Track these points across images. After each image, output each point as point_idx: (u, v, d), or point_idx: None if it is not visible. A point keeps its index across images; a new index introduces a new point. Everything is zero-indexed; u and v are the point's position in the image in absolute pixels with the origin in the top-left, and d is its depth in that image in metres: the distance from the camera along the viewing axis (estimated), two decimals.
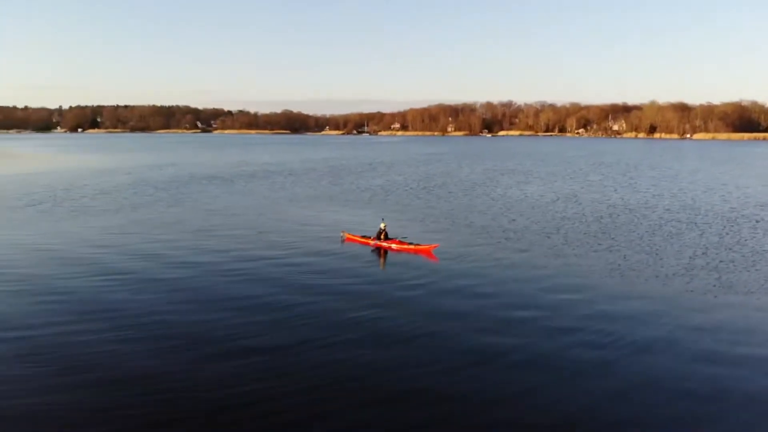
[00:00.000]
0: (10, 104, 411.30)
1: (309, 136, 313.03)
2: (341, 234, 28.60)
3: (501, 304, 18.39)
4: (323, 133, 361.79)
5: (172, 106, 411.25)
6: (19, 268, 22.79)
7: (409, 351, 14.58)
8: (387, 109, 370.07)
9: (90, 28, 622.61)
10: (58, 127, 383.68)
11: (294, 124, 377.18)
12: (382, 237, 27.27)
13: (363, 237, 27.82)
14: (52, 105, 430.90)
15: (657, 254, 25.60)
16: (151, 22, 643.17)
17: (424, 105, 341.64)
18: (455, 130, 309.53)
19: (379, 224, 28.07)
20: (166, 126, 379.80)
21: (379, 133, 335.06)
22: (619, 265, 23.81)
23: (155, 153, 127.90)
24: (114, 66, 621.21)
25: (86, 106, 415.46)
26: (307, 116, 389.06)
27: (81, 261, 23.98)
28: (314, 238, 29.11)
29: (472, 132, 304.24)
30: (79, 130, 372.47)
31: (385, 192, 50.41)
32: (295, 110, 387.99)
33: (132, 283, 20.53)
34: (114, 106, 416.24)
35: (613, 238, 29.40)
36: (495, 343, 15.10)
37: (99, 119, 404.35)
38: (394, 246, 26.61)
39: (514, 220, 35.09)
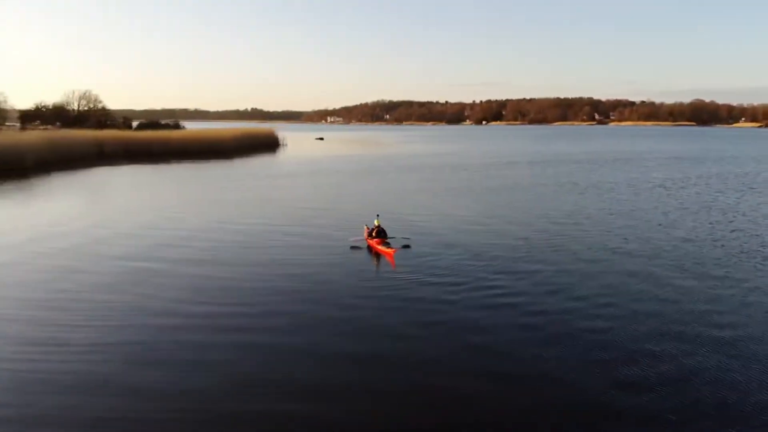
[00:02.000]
0: (434, 100, 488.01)
1: (716, 129, 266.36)
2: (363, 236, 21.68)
3: None
4: (736, 125, 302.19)
5: (572, 98, 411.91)
6: None
7: None
8: None
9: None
10: (467, 120, 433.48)
11: (701, 115, 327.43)
12: (374, 234, 20.78)
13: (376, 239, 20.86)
14: (468, 100, 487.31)
15: None
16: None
17: None
18: None
19: (374, 221, 21.67)
20: (563, 118, 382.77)
21: None
22: None
23: (487, 142, 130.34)
24: (524, 61, 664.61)
25: (494, 101, 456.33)
26: (718, 106, 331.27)
27: None
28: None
29: None
30: (483, 122, 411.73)
31: None
32: (707, 99, 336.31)
33: None
34: (518, 99, 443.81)
35: None
36: None
37: (503, 112, 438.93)
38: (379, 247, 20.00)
39: None
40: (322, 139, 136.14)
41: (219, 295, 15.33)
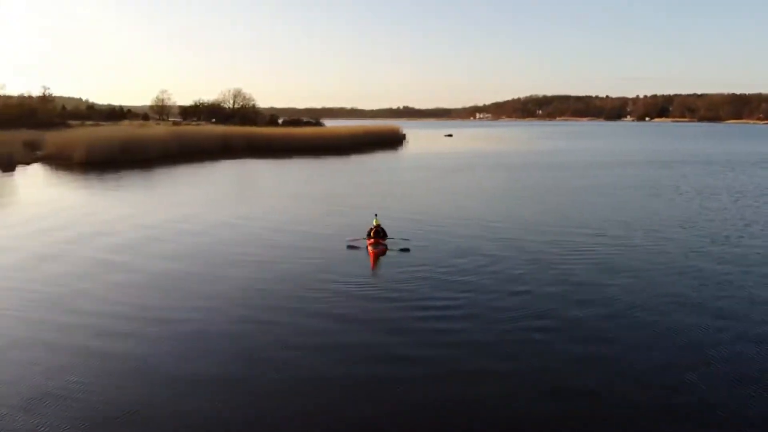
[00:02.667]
0: (593, 94, 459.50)
1: None
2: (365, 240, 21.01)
3: None
4: None
5: (750, 95, 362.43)
6: None
7: None
8: None
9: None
10: (628, 116, 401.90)
11: None
12: (372, 234, 20.71)
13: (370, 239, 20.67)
14: (630, 94, 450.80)
15: None
16: None
17: None
18: None
19: (372, 221, 21.43)
20: (737, 116, 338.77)
21: None
22: None
23: (635, 139, 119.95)
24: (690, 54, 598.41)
25: (660, 95, 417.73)
26: None
27: None
28: None
29: None
30: (646, 119, 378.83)
31: None
32: None
33: None
34: (687, 95, 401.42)
35: None
36: None
37: (669, 108, 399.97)
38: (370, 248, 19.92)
39: None
40: (450, 136, 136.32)
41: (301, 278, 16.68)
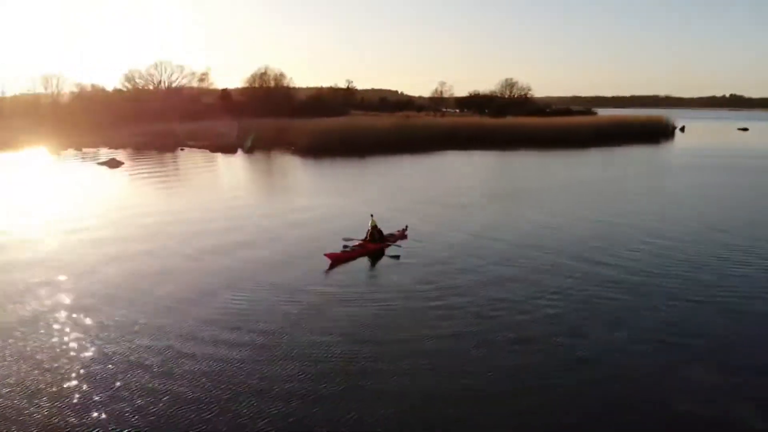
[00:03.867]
0: None
1: None
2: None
3: None
4: None
5: None
6: None
7: None
8: None
9: None
10: None
11: None
12: (367, 237, 20.04)
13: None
14: None
15: None
16: None
17: None
18: None
19: (368, 222, 20.53)
20: None
21: None
22: None
23: None
24: None
25: None
26: None
27: None
28: None
29: None
30: None
31: None
32: None
33: None
34: None
35: None
36: None
37: None
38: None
39: None
40: (746, 129, 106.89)
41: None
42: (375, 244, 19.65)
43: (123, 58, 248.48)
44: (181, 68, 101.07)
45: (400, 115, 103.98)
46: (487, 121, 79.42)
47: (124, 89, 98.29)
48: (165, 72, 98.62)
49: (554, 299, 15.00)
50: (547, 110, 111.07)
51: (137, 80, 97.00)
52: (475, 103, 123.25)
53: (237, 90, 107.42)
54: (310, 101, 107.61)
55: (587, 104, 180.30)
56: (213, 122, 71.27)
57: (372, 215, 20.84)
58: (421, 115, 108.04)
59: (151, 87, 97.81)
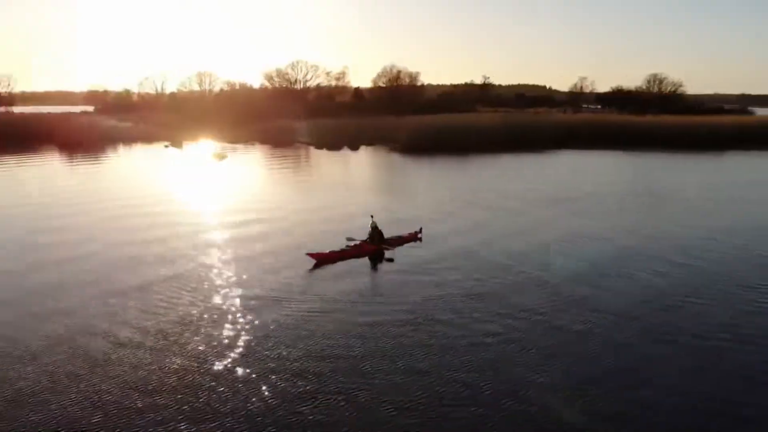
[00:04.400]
0: None
1: None
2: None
3: None
4: None
5: None
6: None
7: None
8: None
9: None
10: None
11: None
12: (368, 239, 19.62)
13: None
14: None
15: None
16: None
17: None
18: None
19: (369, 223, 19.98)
20: None
21: None
22: None
23: None
24: None
25: None
26: None
27: None
28: None
29: None
30: None
31: None
32: None
33: None
34: None
35: None
36: None
37: None
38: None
39: None
40: None
41: None
42: (372, 245, 19.18)
43: (265, 56, 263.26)
44: (315, 68, 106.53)
45: (530, 112, 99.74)
46: (620, 118, 72.93)
47: (268, 87, 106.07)
48: (301, 71, 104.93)
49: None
50: (699, 108, 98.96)
51: (275, 79, 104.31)
52: (617, 99, 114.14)
53: (367, 89, 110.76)
54: (437, 99, 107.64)
55: (744, 102, 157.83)
56: (325, 120, 72.77)
57: (372, 216, 20.27)
58: (552, 112, 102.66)
59: (287, 85, 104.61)
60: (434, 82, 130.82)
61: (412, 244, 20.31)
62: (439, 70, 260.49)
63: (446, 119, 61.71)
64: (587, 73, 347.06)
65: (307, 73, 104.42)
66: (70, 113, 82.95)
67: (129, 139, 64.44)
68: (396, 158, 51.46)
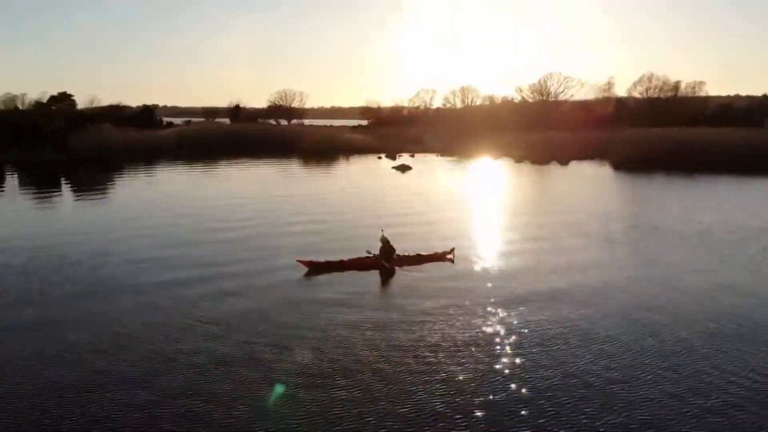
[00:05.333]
0: None
1: None
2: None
3: None
4: None
5: None
6: None
7: None
8: None
9: None
10: None
11: None
12: (379, 253, 18.79)
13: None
14: None
15: None
16: None
17: None
18: None
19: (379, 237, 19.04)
20: None
21: None
22: None
23: None
24: None
25: None
26: None
27: None
28: None
29: None
30: None
31: None
32: None
33: None
34: None
35: None
36: None
37: None
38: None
39: None
40: None
41: None
42: (374, 260, 18.35)
43: (520, 68, 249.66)
44: (568, 79, 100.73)
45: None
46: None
47: (527, 100, 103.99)
48: (555, 83, 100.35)
49: None
50: None
51: (526, 92, 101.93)
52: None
53: (632, 98, 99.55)
54: (718, 111, 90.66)
55: None
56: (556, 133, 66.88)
57: (382, 230, 19.20)
58: None
59: (542, 98, 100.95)
60: (714, 93, 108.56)
61: (440, 263, 18.63)
62: (718, 78, 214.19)
63: (678, 134, 51.92)
64: None
65: (560, 85, 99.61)
66: (343, 126, 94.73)
67: (358, 150, 67.56)
68: (613, 174, 46.83)
